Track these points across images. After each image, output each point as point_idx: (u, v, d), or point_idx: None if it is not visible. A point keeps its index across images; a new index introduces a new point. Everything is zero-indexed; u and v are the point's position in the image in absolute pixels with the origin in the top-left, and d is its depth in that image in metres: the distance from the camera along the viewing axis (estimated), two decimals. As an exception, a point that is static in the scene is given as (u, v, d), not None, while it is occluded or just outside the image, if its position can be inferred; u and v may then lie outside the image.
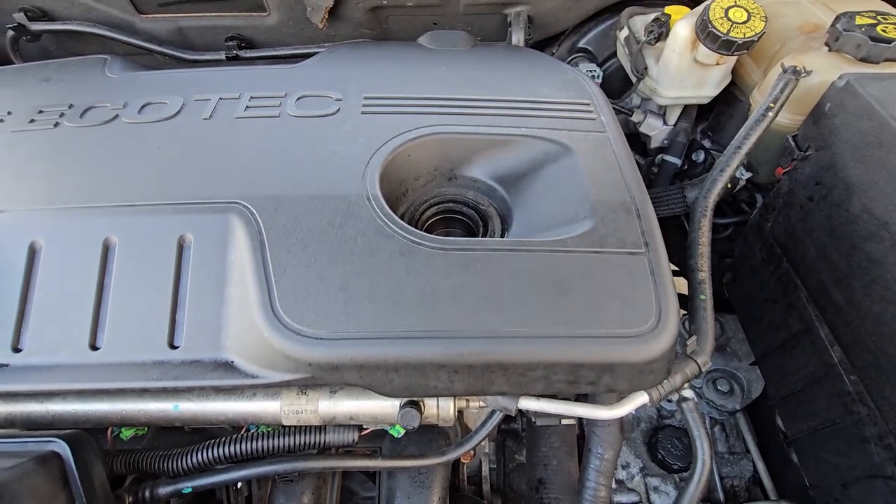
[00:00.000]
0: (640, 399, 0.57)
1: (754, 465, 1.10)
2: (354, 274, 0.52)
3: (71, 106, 0.72)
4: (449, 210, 0.67)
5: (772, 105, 0.74)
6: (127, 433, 0.67)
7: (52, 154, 0.65)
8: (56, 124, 0.69)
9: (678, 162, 1.10)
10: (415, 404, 0.59)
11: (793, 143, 0.84)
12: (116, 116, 0.69)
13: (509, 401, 0.56)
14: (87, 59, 0.85)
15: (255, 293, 0.51)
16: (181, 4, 1.09)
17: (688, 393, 0.64)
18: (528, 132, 0.66)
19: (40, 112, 0.71)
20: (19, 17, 1.06)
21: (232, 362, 0.51)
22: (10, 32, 1.05)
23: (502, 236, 0.64)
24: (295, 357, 0.49)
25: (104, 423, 0.59)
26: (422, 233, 0.55)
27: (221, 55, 1.10)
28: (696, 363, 0.59)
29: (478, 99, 0.71)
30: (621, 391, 0.55)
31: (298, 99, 0.71)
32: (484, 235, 0.65)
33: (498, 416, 0.61)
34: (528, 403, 0.56)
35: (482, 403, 0.60)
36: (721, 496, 1.07)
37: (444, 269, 0.52)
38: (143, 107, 0.71)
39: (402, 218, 0.60)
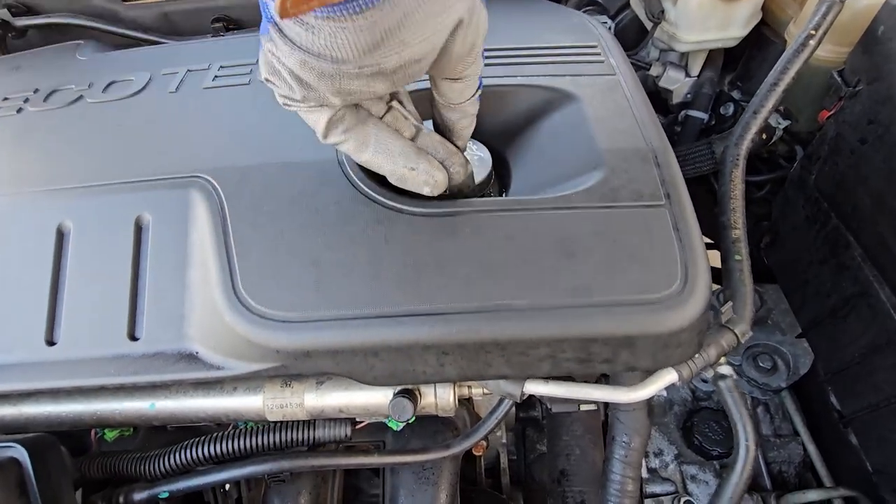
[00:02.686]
0: (668, 377, 0.49)
1: (804, 449, 0.99)
2: (327, 247, 0.46)
3: (36, 91, 0.67)
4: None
5: (813, 33, 0.64)
6: (111, 434, 0.63)
7: (12, 140, 0.61)
8: (19, 110, 0.65)
9: (704, 116, 0.98)
10: (409, 393, 0.52)
11: (839, 79, 0.73)
12: (80, 97, 0.65)
13: (513, 385, 0.48)
14: (61, 46, 0.81)
15: (215, 274, 0.45)
16: None
17: (725, 369, 0.55)
18: (524, 80, 0.58)
19: (5, 99, 0.67)
20: (2, 14, 1.03)
21: (196, 353, 0.46)
22: (-5, 30, 1.03)
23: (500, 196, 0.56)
24: (260, 343, 0.43)
25: (80, 424, 0.55)
26: (403, 197, 0.48)
27: (208, 38, 1.05)
28: (734, 333, 0.51)
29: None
30: (644, 369, 0.47)
31: (271, 64, 0.64)
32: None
33: (507, 404, 0.54)
34: (536, 387, 0.49)
35: (485, 390, 0.53)
36: (768, 483, 0.97)
37: (428, 237, 0.45)
38: (108, 85, 0.66)
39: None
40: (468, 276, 0.43)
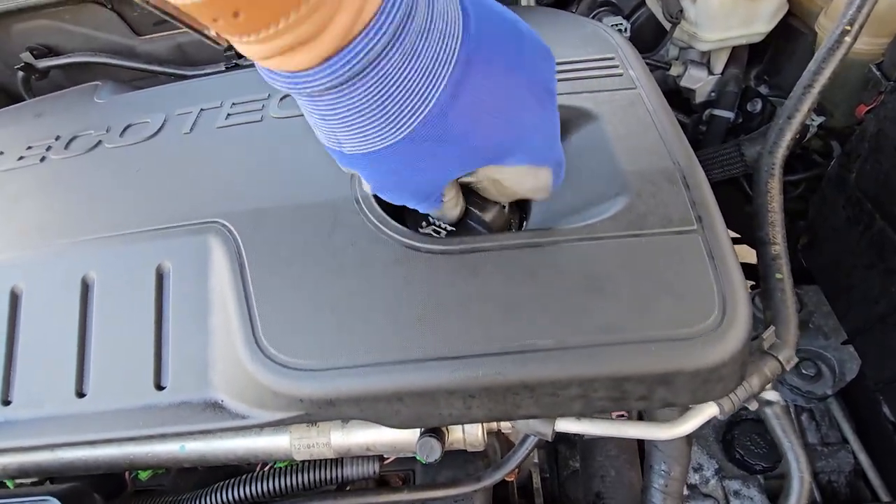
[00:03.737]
0: (709, 412, 0.46)
1: (855, 457, 0.94)
2: (346, 291, 0.45)
3: (58, 138, 0.69)
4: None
5: (847, 28, 0.60)
6: (144, 474, 0.64)
7: (38, 190, 0.62)
8: (42, 158, 0.66)
9: (731, 115, 0.94)
10: (436, 432, 0.51)
11: (878, 73, 0.68)
12: (99, 143, 0.66)
13: (544, 424, 0.47)
14: (79, 89, 0.83)
15: (236, 322, 0.45)
16: (175, 20, 1.05)
17: (772, 395, 0.52)
18: (540, 100, 0.56)
19: (29, 148, 0.68)
20: (26, 57, 1.06)
21: (221, 402, 0.46)
22: (20, 73, 1.06)
23: (521, 228, 0.54)
24: (284, 393, 0.42)
25: (114, 467, 0.55)
26: (421, 234, 0.46)
27: (221, 66, 1.06)
28: (778, 360, 0.48)
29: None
30: (683, 405, 0.45)
31: (282, 99, 0.64)
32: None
33: (533, 441, 0.52)
34: (568, 426, 0.47)
35: (514, 426, 0.52)
36: (818, 496, 0.92)
37: (448, 276, 0.44)
38: (126, 129, 0.66)
39: (407, 222, 0.51)
40: (491, 317, 0.41)
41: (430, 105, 0.30)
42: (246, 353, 0.43)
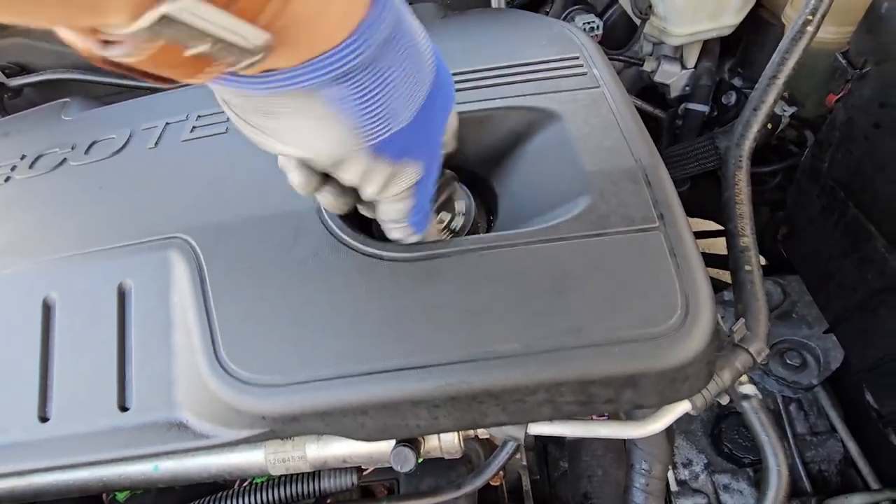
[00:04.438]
0: (681, 407, 0.46)
1: (844, 446, 0.94)
2: (308, 303, 0.44)
3: (23, 157, 0.68)
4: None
5: (809, 18, 0.60)
6: (121, 496, 0.63)
7: (2, 211, 0.61)
8: (7, 179, 0.65)
9: (705, 108, 0.95)
10: (411, 441, 0.50)
11: (844, 62, 0.68)
12: (65, 160, 0.65)
13: (516, 429, 0.46)
14: (47, 106, 0.82)
15: (197, 339, 0.44)
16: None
17: (748, 388, 0.52)
18: (503, 103, 0.56)
19: (-6, 168, 0.68)
20: (-3, 76, 1.05)
21: (185, 421, 0.45)
22: (-9, 92, 1.05)
23: (489, 230, 0.54)
24: (246, 410, 0.42)
25: (88, 491, 0.54)
26: (384, 242, 0.46)
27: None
28: (749, 353, 0.47)
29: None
30: (651, 406, 0.44)
31: (247, 109, 0.63)
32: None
33: (512, 445, 0.52)
34: (541, 428, 0.46)
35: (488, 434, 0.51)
36: (807, 485, 0.92)
37: (411, 284, 0.43)
38: (91, 146, 0.66)
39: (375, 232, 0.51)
40: (454, 324, 0.41)
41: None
42: (207, 370, 0.43)
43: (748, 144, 0.58)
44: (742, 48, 0.93)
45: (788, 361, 0.93)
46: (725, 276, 1.16)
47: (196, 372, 0.44)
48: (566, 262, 0.43)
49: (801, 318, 0.96)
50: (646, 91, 1.06)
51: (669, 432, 0.57)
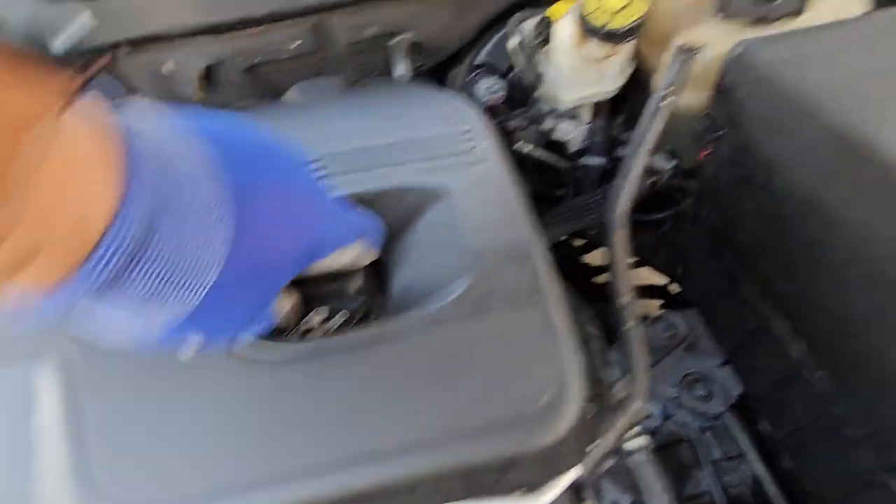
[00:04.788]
0: (570, 474, 0.47)
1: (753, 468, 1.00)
2: (185, 414, 0.42)
3: None
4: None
5: (665, 94, 0.67)
6: None
7: None
8: None
9: (602, 161, 1.02)
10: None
11: (709, 123, 0.77)
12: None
13: (412, 516, 0.46)
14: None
15: (65, 458, 0.41)
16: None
17: (633, 443, 0.55)
18: (394, 182, 0.58)
19: None
20: None
21: (51, 555, 0.41)
22: None
23: (385, 309, 0.54)
24: (115, 538, 0.39)
25: None
26: (264, 342, 0.45)
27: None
28: (629, 414, 0.50)
29: (341, 154, 0.62)
30: (537, 483, 0.45)
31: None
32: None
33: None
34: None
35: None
36: (728, 509, 0.96)
37: (289, 387, 0.43)
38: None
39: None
40: (337, 425, 0.41)
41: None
42: (77, 493, 0.40)
43: (621, 210, 0.63)
44: (629, 107, 1.02)
45: (697, 393, 0.99)
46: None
47: (68, 496, 0.40)
48: (447, 348, 0.44)
49: (706, 350, 1.03)
50: (552, 145, 1.13)
51: (577, 493, 0.59)
